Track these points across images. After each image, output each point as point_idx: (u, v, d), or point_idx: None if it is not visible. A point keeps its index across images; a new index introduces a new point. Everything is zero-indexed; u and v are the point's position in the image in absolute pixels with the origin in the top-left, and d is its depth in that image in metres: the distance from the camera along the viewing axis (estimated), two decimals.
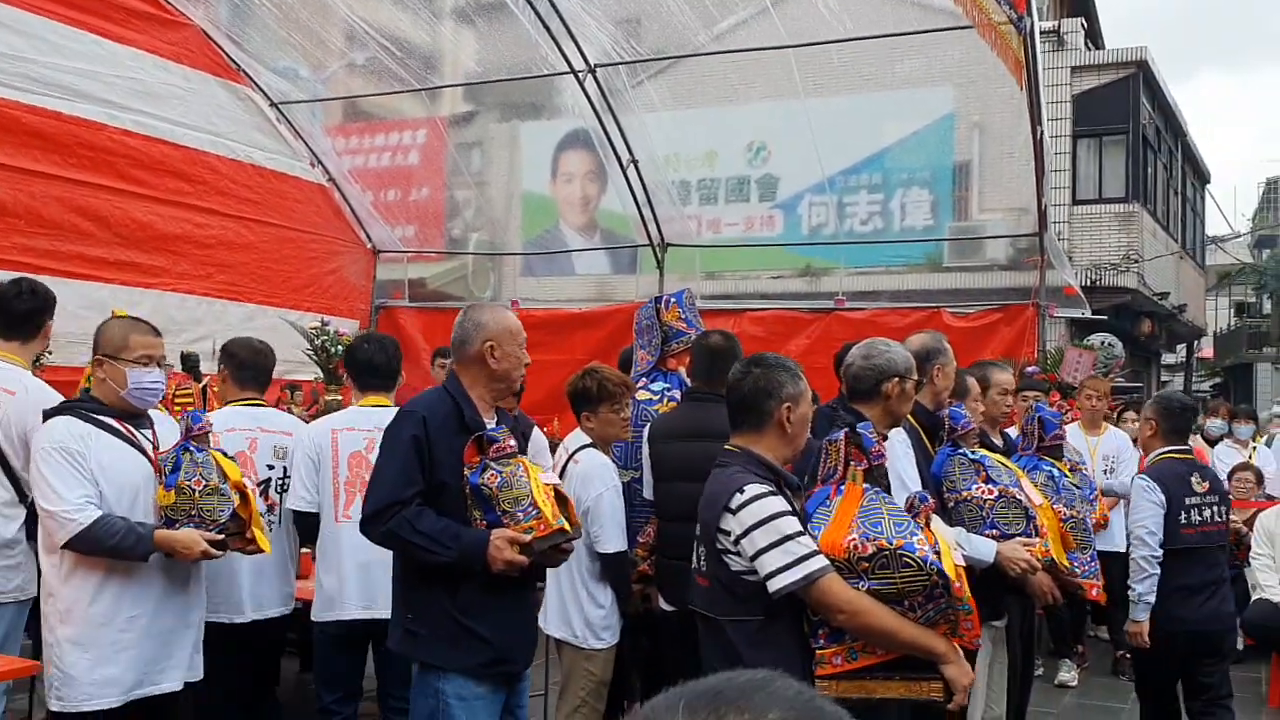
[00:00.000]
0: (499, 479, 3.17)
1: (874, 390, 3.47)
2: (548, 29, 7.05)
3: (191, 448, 3.49)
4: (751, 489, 2.80)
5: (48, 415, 3.47)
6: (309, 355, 7.25)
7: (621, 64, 7.55)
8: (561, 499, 3.33)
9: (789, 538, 2.75)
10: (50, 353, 5.75)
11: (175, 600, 3.54)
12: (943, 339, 4.17)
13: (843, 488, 2.93)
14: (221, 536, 3.49)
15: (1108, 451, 7.07)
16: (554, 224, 11.10)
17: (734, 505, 2.80)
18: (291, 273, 8.23)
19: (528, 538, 3.16)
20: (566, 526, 3.25)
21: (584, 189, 10.58)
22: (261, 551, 3.72)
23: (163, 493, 3.42)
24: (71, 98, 6.60)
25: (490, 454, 3.20)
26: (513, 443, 3.26)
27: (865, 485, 2.91)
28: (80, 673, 3.33)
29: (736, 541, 2.80)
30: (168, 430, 3.68)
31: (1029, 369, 7.23)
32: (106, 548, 3.29)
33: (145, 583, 3.44)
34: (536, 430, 4.65)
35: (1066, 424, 6.38)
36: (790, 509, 2.82)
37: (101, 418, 3.45)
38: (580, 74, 7.43)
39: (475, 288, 10.23)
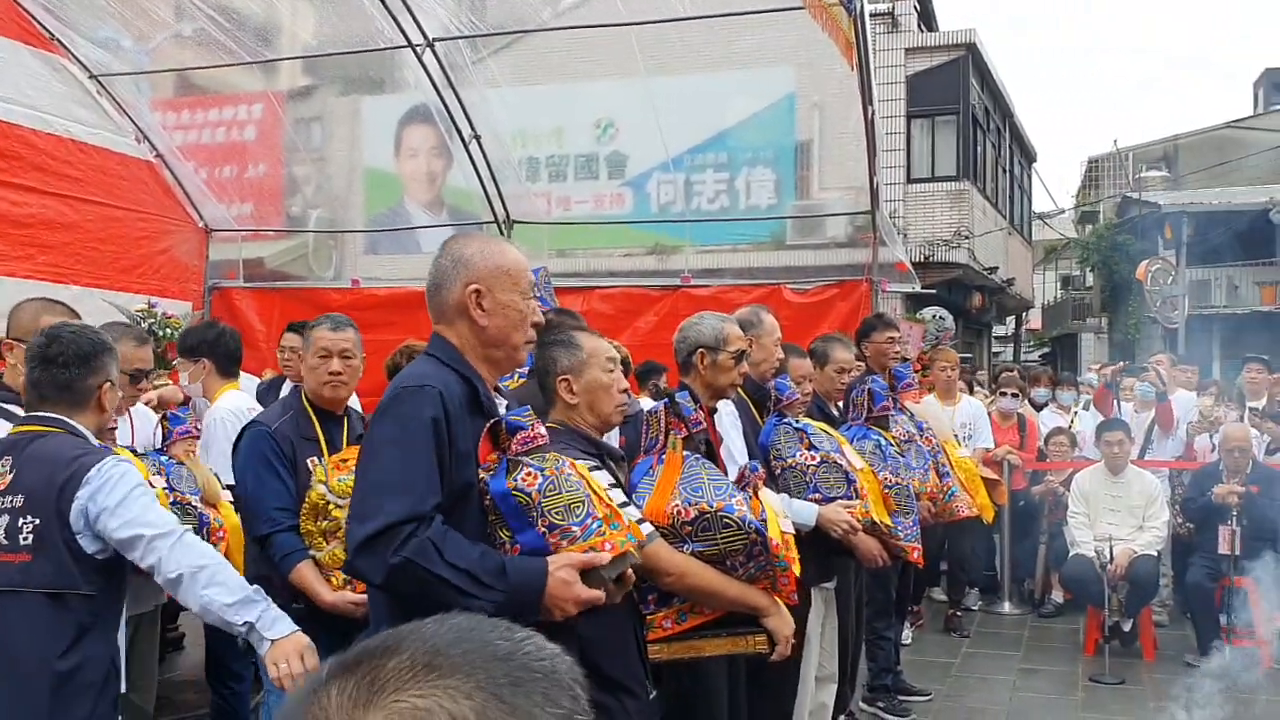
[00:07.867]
0: (539, 479, 2.27)
1: (687, 362, 3.59)
2: (383, 2, 6.90)
3: None
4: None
5: None
6: None
7: (461, 38, 7.45)
8: None
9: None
10: None
11: None
12: (760, 311, 4.28)
13: (664, 456, 3.03)
14: None
15: (964, 419, 7.43)
16: (398, 200, 10.86)
17: None
18: (119, 253, 7.85)
19: (605, 558, 2.27)
20: (640, 541, 2.49)
21: (429, 165, 10.38)
22: None
23: None
24: None
25: (515, 447, 2.32)
26: (543, 430, 2.37)
27: (685, 453, 3.02)
28: None
29: None
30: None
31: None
32: None
33: None
34: None
35: (924, 395, 6.68)
36: (615, 481, 2.88)
37: (7, 406, 3.23)
38: (419, 48, 7.29)
39: (316, 266, 9.96)
